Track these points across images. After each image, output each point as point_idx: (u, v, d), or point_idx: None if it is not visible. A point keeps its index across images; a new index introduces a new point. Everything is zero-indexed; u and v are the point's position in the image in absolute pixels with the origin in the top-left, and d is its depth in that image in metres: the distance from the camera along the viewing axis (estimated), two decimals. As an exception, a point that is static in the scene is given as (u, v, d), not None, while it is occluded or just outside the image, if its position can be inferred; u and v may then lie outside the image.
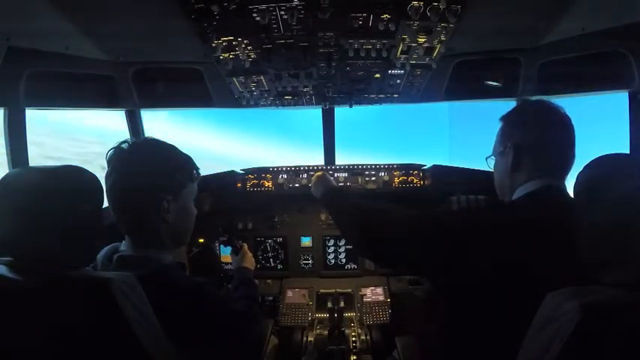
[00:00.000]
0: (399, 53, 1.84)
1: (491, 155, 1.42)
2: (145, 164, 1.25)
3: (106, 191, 1.21)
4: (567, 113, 1.27)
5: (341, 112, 2.90)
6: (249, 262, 2.02)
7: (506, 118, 1.38)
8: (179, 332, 1.12)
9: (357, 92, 2.38)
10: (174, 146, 1.34)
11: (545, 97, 2.25)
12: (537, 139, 1.26)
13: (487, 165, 1.45)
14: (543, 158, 1.25)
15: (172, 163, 1.31)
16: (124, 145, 1.26)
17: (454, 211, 1.17)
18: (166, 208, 1.26)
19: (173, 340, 1.09)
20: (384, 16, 1.54)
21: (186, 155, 1.36)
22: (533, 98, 2.36)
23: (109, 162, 1.26)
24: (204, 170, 1.49)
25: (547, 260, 1.04)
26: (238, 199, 2.79)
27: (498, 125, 1.40)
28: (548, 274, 1.01)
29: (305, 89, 2.30)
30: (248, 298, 1.64)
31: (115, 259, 1.24)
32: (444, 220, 1.20)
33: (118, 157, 1.25)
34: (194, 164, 1.38)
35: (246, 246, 2.11)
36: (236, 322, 1.40)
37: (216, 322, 1.28)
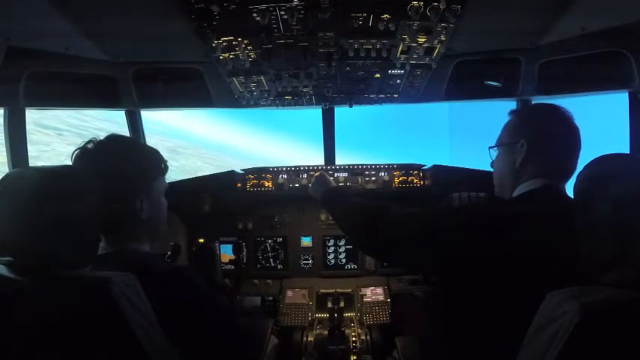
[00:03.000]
0: (399, 53, 1.84)
1: (495, 146, 1.43)
2: (114, 164, 1.24)
3: None
4: (575, 122, 1.32)
5: (341, 112, 2.91)
6: None
7: (520, 114, 1.41)
8: (168, 319, 1.11)
9: (357, 92, 2.38)
10: (139, 142, 1.35)
11: (545, 98, 2.27)
12: (546, 140, 1.30)
13: (489, 155, 1.46)
14: (548, 159, 1.29)
15: (141, 159, 1.31)
16: (89, 146, 1.24)
17: (455, 208, 1.18)
18: (140, 206, 1.27)
19: (167, 333, 1.09)
20: (384, 16, 1.53)
21: (152, 149, 1.36)
22: (534, 99, 2.37)
23: (74, 163, 1.23)
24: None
25: (546, 259, 1.04)
26: (238, 199, 2.79)
27: (498, 125, 1.40)
28: (548, 273, 1.01)
29: (305, 89, 2.30)
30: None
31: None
32: (444, 217, 1.21)
33: (85, 159, 1.23)
34: (161, 157, 1.37)
35: None
36: (221, 305, 1.41)
37: (202, 304, 1.27)
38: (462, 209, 1.18)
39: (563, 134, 1.30)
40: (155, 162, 1.35)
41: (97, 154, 1.24)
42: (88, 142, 1.25)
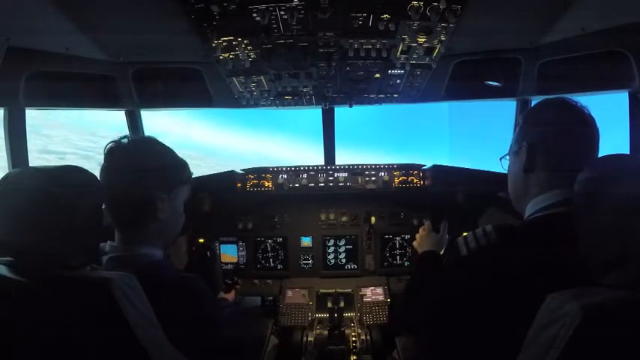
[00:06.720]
0: (399, 53, 1.84)
1: (505, 155, 1.35)
2: (144, 162, 1.27)
3: (103, 185, 1.21)
4: (591, 113, 1.18)
5: (341, 112, 2.91)
6: (232, 297, 2.20)
7: (525, 116, 1.30)
8: (173, 327, 1.12)
9: (357, 92, 2.38)
10: (171, 148, 1.38)
11: (544, 98, 2.25)
12: (554, 138, 1.17)
13: (501, 166, 1.36)
14: (559, 161, 1.15)
15: (169, 163, 1.34)
16: (124, 141, 1.28)
17: (462, 259, 1.14)
18: (160, 206, 1.28)
19: (169, 337, 1.09)
20: (384, 16, 1.53)
21: (182, 159, 1.40)
22: (534, 99, 2.36)
23: (107, 155, 1.27)
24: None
25: (558, 276, 0.98)
26: (238, 199, 2.79)
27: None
28: (557, 285, 0.97)
29: (305, 89, 2.30)
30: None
31: (106, 261, 1.24)
32: (464, 285, 1.14)
33: (118, 152, 1.26)
34: (188, 168, 1.42)
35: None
36: (225, 315, 1.47)
37: (208, 314, 1.30)
38: (469, 261, 1.14)
39: (572, 130, 1.15)
40: (182, 169, 1.39)
41: (129, 150, 1.28)
42: (123, 137, 1.29)
